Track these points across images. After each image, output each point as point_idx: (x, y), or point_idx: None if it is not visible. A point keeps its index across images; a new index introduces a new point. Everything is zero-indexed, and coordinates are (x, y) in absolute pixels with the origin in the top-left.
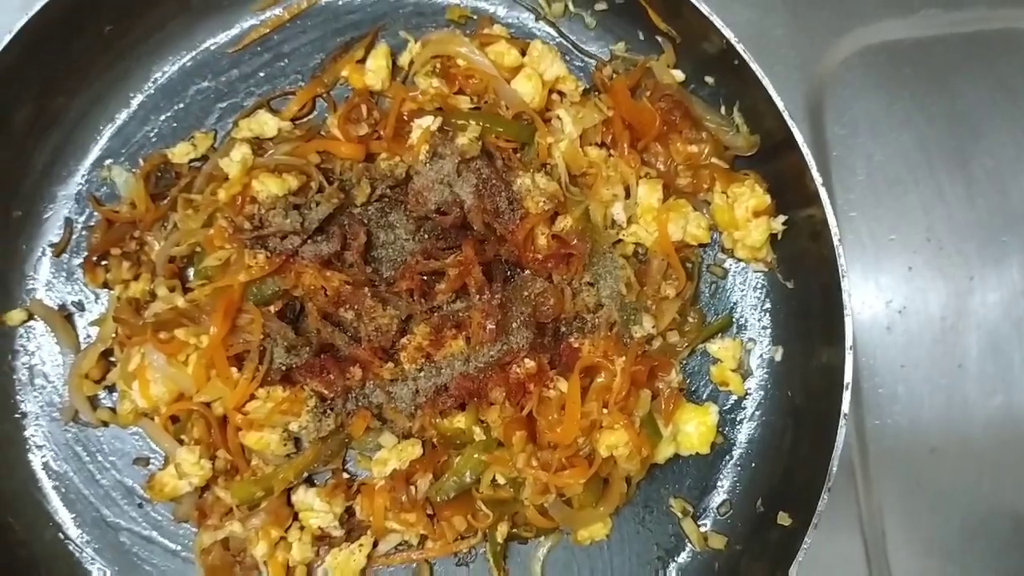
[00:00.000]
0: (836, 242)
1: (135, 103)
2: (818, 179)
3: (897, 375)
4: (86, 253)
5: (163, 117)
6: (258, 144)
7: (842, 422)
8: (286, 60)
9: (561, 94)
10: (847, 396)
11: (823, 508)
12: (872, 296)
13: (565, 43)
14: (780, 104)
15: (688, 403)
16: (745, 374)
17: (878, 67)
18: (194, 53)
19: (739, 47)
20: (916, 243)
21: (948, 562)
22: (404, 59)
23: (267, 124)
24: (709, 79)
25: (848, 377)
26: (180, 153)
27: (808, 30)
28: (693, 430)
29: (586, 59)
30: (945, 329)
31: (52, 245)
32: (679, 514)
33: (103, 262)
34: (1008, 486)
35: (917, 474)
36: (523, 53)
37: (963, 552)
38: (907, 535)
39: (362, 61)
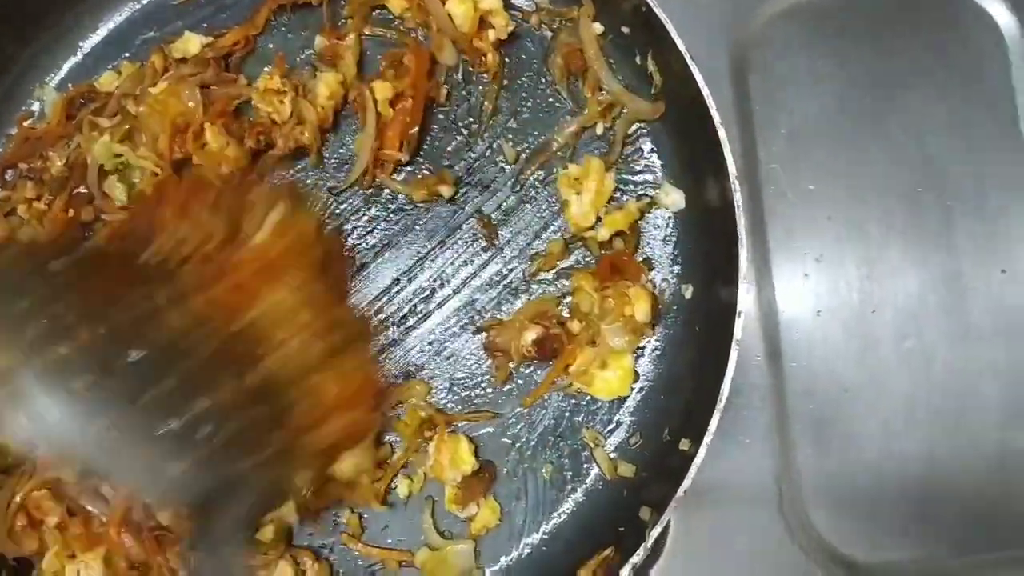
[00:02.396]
0: (732, 177)
1: (82, 52)
2: (716, 117)
3: (814, 320)
4: None
5: (110, 66)
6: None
7: (734, 346)
8: (227, 13)
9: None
10: (739, 323)
11: (715, 429)
12: (791, 245)
13: None
14: (681, 45)
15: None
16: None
17: (802, 27)
18: (141, 4)
19: None
20: (835, 194)
21: (860, 496)
22: None
23: (191, 42)
24: (625, 29)
25: (741, 306)
26: (106, 82)
27: None
28: (612, 375)
29: (511, 11)
30: (861, 276)
31: None
32: (591, 444)
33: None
34: (919, 424)
35: (831, 413)
36: None
37: (875, 487)
38: (820, 472)
39: None
